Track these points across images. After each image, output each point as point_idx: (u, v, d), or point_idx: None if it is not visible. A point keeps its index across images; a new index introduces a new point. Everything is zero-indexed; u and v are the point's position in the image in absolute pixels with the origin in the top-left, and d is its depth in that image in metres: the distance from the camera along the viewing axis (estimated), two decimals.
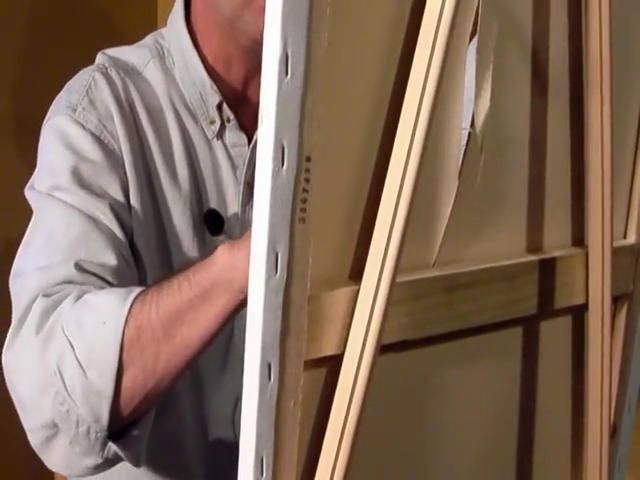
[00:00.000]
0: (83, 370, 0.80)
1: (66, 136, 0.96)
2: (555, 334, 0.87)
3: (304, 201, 0.60)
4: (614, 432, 0.94)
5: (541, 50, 0.79)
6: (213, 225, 1.02)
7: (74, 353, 0.80)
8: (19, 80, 1.79)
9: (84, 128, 0.95)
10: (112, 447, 0.83)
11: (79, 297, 0.83)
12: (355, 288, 0.65)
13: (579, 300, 0.86)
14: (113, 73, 1.00)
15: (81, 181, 0.93)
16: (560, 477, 0.92)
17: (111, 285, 0.88)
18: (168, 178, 0.99)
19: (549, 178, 0.82)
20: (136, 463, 0.87)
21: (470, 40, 0.70)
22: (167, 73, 1.03)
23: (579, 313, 0.88)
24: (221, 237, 1.02)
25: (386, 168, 0.65)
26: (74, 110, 0.96)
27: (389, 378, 0.72)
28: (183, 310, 0.79)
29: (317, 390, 0.66)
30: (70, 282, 0.86)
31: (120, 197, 0.95)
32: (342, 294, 0.65)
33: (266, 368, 0.61)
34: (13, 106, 1.78)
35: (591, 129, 0.81)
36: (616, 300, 0.91)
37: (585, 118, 0.82)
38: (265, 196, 0.59)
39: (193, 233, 1.00)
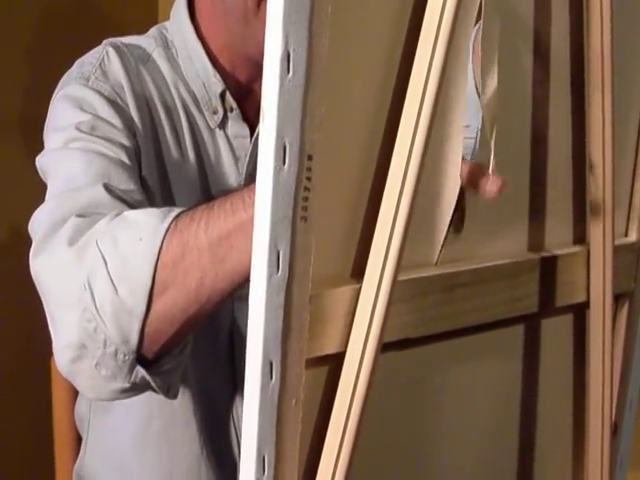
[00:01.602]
0: (114, 286, 0.74)
1: (81, 100, 0.93)
2: (556, 332, 0.87)
3: (306, 199, 0.60)
4: (615, 430, 0.94)
5: (542, 48, 0.79)
6: None
7: (106, 268, 0.74)
8: (20, 79, 1.79)
9: (99, 93, 0.94)
10: (140, 371, 0.78)
11: (117, 215, 0.78)
12: (357, 286, 0.65)
13: (580, 298, 0.86)
14: (125, 51, 1.00)
15: (98, 134, 0.90)
16: (562, 475, 0.92)
17: None
18: (177, 159, 0.99)
19: (550, 176, 0.82)
20: (167, 393, 0.82)
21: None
22: (172, 62, 1.03)
23: (580, 311, 0.88)
24: None
25: (388, 166, 0.64)
26: (87, 79, 0.96)
27: (391, 376, 0.72)
28: (234, 233, 0.72)
29: (319, 388, 0.66)
30: (100, 204, 0.81)
31: (134, 161, 0.92)
32: (344, 292, 0.65)
33: (268, 367, 0.61)
34: (15, 105, 1.78)
35: (592, 127, 0.81)
36: (617, 298, 0.91)
37: (587, 116, 0.82)
38: (267, 194, 0.59)
39: None
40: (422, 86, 0.63)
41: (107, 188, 0.82)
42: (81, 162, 0.86)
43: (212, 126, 1.02)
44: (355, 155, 0.65)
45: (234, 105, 1.02)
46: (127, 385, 0.78)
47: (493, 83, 0.70)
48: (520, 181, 0.80)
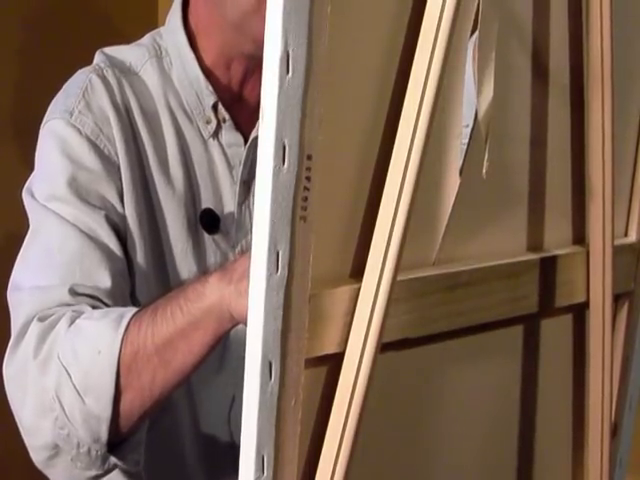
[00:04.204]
0: (81, 397, 0.84)
1: (63, 141, 0.97)
2: (556, 332, 0.87)
3: (305, 199, 0.60)
4: (615, 430, 0.94)
5: (542, 49, 0.79)
6: (209, 224, 1.02)
7: (71, 381, 0.84)
8: (19, 80, 1.79)
9: (80, 133, 0.97)
10: (112, 460, 0.88)
11: (72, 320, 0.87)
12: (356, 286, 0.65)
13: (580, 298, 0.86)
14: (109, 74, 1.01)
15: (78, 190, 0.95)
16: (561, 475, 0.92)
17: (105, 304, 0.92)
18: (162, 179, 1.00)
19: (550, 176, 0.82)
20: (135, 467, 0.92)
21: (470, 36, 0.70)
22: (164, 73, 1.03)
23: (580, 311, 0.88)
24: (217, 235, 1.02)
25: (387, 166, 0.64)
26: (71, 114, 0.97)
27: (390, 376, 0.72)
28: (177, 338, 0.82)
29: (318, 388, 0.66)
30: (64, 305, 0.90)
31: (116, 203, 0.96)
32: (343, 292, 0.65)
33: (267, 366, 0.61)
34: (14, 106, 1.78)
35: (592, 127, 0.81)
36: (617, 298, 0.91)
37: (586, 116, 0.82)
38: (266, 195, 0.59)
39: (187, 234, 1.01)
40: (421, 86, 0.63)
41: (72, 292, 0.91)
42: (58, 235, 0.94)
43: (205, 136, 1.03)
44: (354, 155, 0.66)
45: (227, 116, 1.03)
46: (101, 472, 0.89)
47: (489, 87, 0.70)
48: (519, 182, 0.80)
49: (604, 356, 0.84)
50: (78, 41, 1.78)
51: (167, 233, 1.00)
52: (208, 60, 1.03)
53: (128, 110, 1.00)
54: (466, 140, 0.73)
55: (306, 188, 0.60)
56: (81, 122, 0.97)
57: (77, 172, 0.95)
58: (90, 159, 0.96)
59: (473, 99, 0.70)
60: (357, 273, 0.66)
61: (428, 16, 0.64)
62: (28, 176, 1.00)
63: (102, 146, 0.97)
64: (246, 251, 1.03)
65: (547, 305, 0.83)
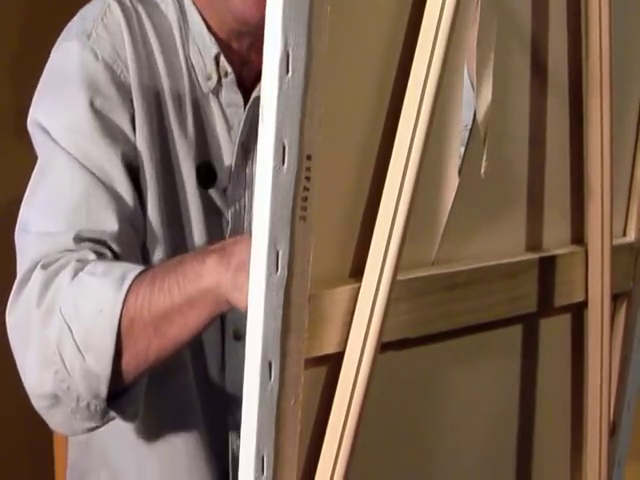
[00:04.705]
0: (82, 354, 0.84)
1: (79, 64, 0.95)
2: (555, 332, 0.87)
3: (305, 199, 0.60)
4: (613, 430, 0.94)
5: (541, 48, 0.79)
6: (206, 179, 1.01)
7: (72, 337, 0.84)
8: (19, 75, 1.78)
9: (97, 57, 0.95)
10: (112, 414, 0.89)
11: (76, 272, 0.86)
12: (356, 286, 0.65)
13: (579, 298, 0.86)
14: (128, 2, 0.99)
15: (95, 119, 0.93)
16: (560, 474, 0.92)
17: (110, 249, 0.91)
18: (176, 118, 0.98)
19: (549, 176, 0.82)
20: (134, 418, 0.93)
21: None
22: (180, 11, 1.01)
23: (579, 311, 0.88)
24: (212, 190, 1.01)
25: (387, 166, 0.65)
26: (88, 36, 0.96)
27: (389, 376, 0.72)
28: (172, 313, 0.83)
29: (318, 388, 0.66)
30: (69, 251, 0.89)
31: (130, 133, 0.95)
32: (343, 292, 0.65)
33: (267, 366, 0.61)
34: (14, 101, 1.78)
35: (591, 126, 0.81)
36: (616, 298, 0.91)
37: (585, 115, 0.82)
38: (266, 194, 0.59)
39: (196, 177, 1.00)
40: (421, 86, 0.63)
41: (77, 238, 0.90)
42: (66, 177, 0.93)
43: (205, 91, 1.01)
44: (354, 155, 0.66)
45: (229, 69, 1.00)
46: (100, 424, 0.90)
47: (488, 86, 0.70)
48: (518, 181, 0.80)
49: (602, 355, 0.84)
50: None
51: (180, 171, 0.99)
52: (213, 25, 1.01)
53: (146, 42, 0.98)
54: (465, 140, 0.74)
55: (306, 188, 0.60)
56: (99, 45, 0.95)
57: (95, 97, 0.93)
58: (107, 84, 0.94)
59: (472, 99, 0.70)
60: (357, 273, 0.66)
61: (428, 14, 0.64)
62: (31, 170, 0.98)
63: (119, 72, 0.95)
64: (240, 212, 1.02)
65: (546, 305, 0.83)
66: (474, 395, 0.81)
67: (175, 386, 1.02)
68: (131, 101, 0.95)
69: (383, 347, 0.66)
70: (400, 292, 0.68)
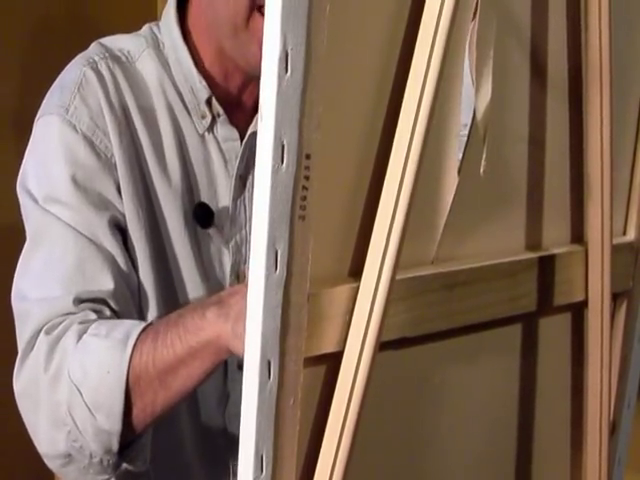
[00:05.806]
0: (92, 414, 0.88)
1: (59, 139, 0.97)
2: (554, 331, 0.87)
3: (304, 199, 0.60)
4: (614, 428, 0.94)
5: (541, 47, 0.79)
6: (203, 218, 1.03)
7: (82, 398, 0.88)
8: (19, 78, 1.79)
9: (76, 130, 0.97)
10: (123, 465, 0.93)
11: (80, 335, 0.89)
12: (355, 285, 0.65)
13: (578, 297, 0.86)
14: (103, 68, 1.00)
15: (77, 190, 0.95)
16: (560, 474, 0.92)
17: (109, 307, 0.94)
18: (159, 173, 1.00)
19: (548, 175, 0.82)
20: (143, 466, 0.96)
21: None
22: (161, 64, 1.03)
23: (579, 310, 0.88)
24: (211, 229, 1.03)
25: (386, 165, 0.65)
26: (67, 110, 0.97)
27: (388, 375, 0.72)
28: (176, 366, 0.86)
29: (317, 387, 0.66)
30: (69, 314, 0.92)
31: (115, 198, 0.97)
32: (342, 291, 0.65)
33: (266, 366, 0.61)
34: (13, 104, 1.78)
35: (591, 126, 0.81)
36: (615, 297, 0.91)
37: (585, 115, 0.82)
38: (265, 194, 0.59)
39: (184, 226, 1.01)
40: (420, 85, 0.63)
41: (77, 300, 0.93)
42: (59, 242, 0.95)
43: (200, 131, 1.02)
44: (353, 154, 0.66)
45: (221, 111, 1.02)
46: (112, 475, 0.94)
47: (487, 85, 0.70)
48: (518, 181, 0.80)
49: (602, 354, 0.84)
50: (78, 40, 1.78)
51: (166, 226, 1.01)
52: (206, 61, 1.03)
53: (123, 105, 1.00)
54: (464, 139, 0.74)
55: (305, 187, 0.60)
56: (77, 118, 0.97)
57: (76, 171, 0.96)
58: (87, 156, 0.97)
59: (471, 98, 0.70)
60: (356, 272, 0.66)
61: (427, 14, 0.64)
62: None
63: (98, 142, 0.97)
64: (240, 246, 1.04)
65: (546, 304, 0.83)
66: (473, 394, 0.81)
67: (168, 432, 1.03)
68: (114, 166, 0.97)
69: (382, 346, 0.66)
70: (399, 291, 0.68)
